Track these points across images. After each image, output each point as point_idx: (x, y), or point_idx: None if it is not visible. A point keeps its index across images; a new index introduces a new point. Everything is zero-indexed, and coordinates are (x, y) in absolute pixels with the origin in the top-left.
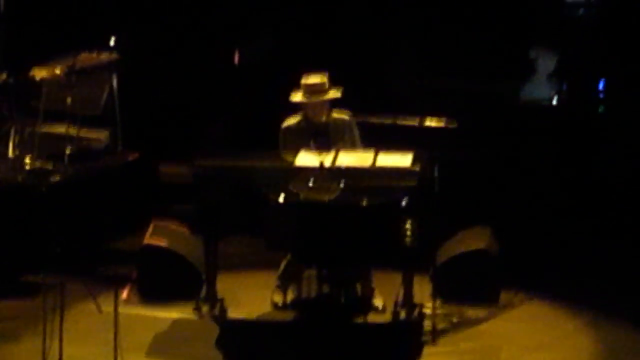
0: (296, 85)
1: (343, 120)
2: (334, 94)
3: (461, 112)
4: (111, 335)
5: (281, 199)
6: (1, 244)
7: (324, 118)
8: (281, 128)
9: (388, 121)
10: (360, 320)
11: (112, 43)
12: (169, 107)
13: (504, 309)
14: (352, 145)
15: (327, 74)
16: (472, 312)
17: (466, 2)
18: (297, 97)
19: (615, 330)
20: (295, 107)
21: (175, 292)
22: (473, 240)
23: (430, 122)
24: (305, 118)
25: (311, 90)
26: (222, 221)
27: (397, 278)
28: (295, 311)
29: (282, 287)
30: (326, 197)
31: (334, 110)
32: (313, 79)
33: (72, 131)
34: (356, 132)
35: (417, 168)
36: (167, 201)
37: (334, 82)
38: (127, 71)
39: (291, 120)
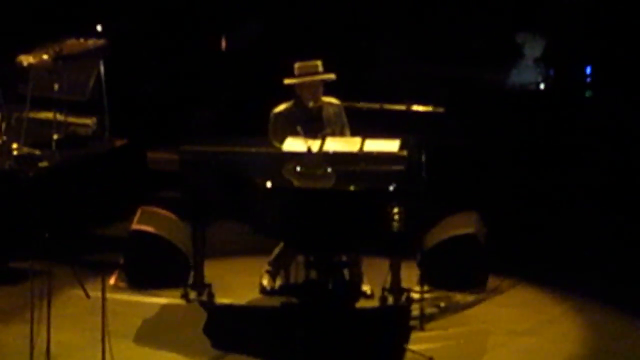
0: (287, 72)
1: (334, 105)
2: (328, 75)
3: (448, 97)
4: (99, 321)
5: (268, 185)
6: None
7: (316, 102)
8: (271, 114)
9: (375, 106)
10: (348, 305)
11: (99, 29)
12: (156, 93)
13: (491, 294)
14: (341, 131)
15: (319, 60)
16: (459, 297)
17: None
18: (292, 79)
19: (602, 315)
20: (286, 95)
21: (163, 278)
22: (460, 225)
23: (418, 108)
24: (297, 104)
25: (305, 71)
26: (210, 207)
27: (385, 263)
28: (283, 297)
29: (273, 273)
30: (317, 184)
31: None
32: (307, 62)
33: (60, 117)
34: (345, 118)
35: (404, 153)
36: (154, 187)
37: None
38: (114, 57)
39: (282, 107)
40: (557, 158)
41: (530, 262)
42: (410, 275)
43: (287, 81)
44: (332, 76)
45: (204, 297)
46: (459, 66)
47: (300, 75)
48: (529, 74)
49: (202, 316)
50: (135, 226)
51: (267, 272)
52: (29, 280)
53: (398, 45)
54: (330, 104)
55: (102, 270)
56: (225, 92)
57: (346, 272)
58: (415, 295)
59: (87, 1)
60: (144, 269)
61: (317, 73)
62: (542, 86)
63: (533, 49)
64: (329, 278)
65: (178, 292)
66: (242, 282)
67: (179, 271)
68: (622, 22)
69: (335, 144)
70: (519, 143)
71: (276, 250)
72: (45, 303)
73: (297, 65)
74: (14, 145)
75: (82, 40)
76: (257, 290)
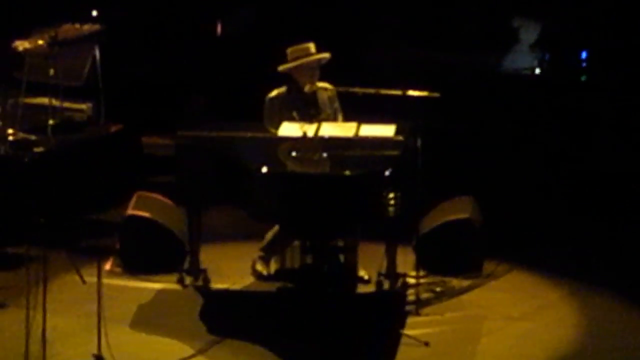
0: (283, 57)
1: (328, 90)
2: (323, 55)
3: (444, 82)
4: (94, 307)
5: (264, 170)
6: None
7: (312, 85)
8: (266, 100)
9: (371, 92)
10: (344, 290)
11: (94, 14)
12: (151, 78)
13: (487, 279)
14: (334, 116)
15: (311, 42)
16: (455, 282)
17: None
18: (287, 64)
19: (598, 300)
20: (281, 79)
21: (159, 263)
22: (456, 210)
23: (413, 93)
24: (291, 89)
25: (300, 54)
26: (205, 192)
27: (381, 248)
28: (278, 282)
29: (266, 258)
30: (312, 169)
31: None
32: (299, 45)
33: (55, 103)
34: (337, 103)
35: (400, 138)
36: (150, 173)
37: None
38: (110, 42)
39: (276, 93)
40: (552, 142)
41: (526, 247)
42: (406, 261)
43: (282, 67)
44: (326, 55)
45: (200, 282)
46: (454, 51)
47: (295, 59)
48: (524, 59)
49: (198, 301)
50: (130, 211)
51: (260, 257)
52: (24, 265)
53: (393, 30)
54: (325, 89)
55: (97, 256)
56: (221, 77)
57: (342, 257)
58: (411, 280)
59: None
60: (139, 255)
61: (311, 54)
62: (537, 71)
63: (528, 33)
64: (325, 263)
65: (174, 277)
66: (237, 267)
67: (174, 256)
68: (616, 7)
69: (330, 129)
70: (514, 128)
71: (268, 236)
72: (41, 288)
73: (289, 50)
74: (10, 131)
75: (77, 25)
76: (252, 275)
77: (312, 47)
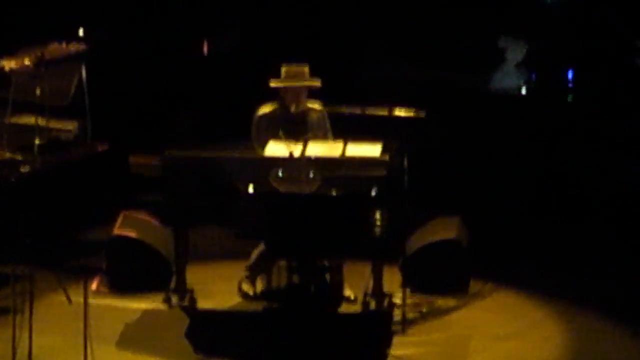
0: (272, 75)
1: (318, 111)
2: (313, 82)
3: (430, 102)
4: (81, 326)
5: (251, 190)
6: None
7: (297, 108)
8: (255, 116)
9: (357, 111)
10: (330, 310)
11: (80, 34)
12: (138, 97)
13: (473, 298)
14: (324, 137)
15: (306, 65)
16: (441, 302)
17: None
18: (277, 82)
19: (583, 319)
20: (270, 96)
21: (145, 283)
22: (442, 230)
23: (399, 112)
24: (281, 106)
25: (292, 75)
26: (192, 212)
27: (367, 268)
28: (265, 301)
29: (251, 277)
30: (299, 189)
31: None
32: (293, 66)
33: (41, 122)
34: (328, 125)
35: (386, 158)
36: (136, 192)
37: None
38: (96, 62)
39: (266, 109)
40: (538, 162)
41: (512, 266)
42: (392, 280)
43: (272, 84)
44: (316, 83)
45: (186, 302)
46: (441, 70)
47: (285, 80)
48: (510, 79)
49: (184, 321)
50: (117, 231)
51: (247, 277)
52: (10, 284)
53: (381, 49)
54: (314, 109)
55: (84, 275)
56: (208, 96)
57: (328, 276)
58: (397, 300)
59: (69, 6)
60: (126, 274)
61: (302, 78)
62: (523, 90)
63: (515, 53)
64: (311, 283)
65: (160, 297)
66: (224, 287)
67: (161, 276)
68: (603, 27)
69: (317, 149)
70: (501, 147)
71: (254, 255)
72: (27, 308)
73: (284, 68)
74: None
75: (64, 44)
76: (238, 295)
77: (305, 71)
